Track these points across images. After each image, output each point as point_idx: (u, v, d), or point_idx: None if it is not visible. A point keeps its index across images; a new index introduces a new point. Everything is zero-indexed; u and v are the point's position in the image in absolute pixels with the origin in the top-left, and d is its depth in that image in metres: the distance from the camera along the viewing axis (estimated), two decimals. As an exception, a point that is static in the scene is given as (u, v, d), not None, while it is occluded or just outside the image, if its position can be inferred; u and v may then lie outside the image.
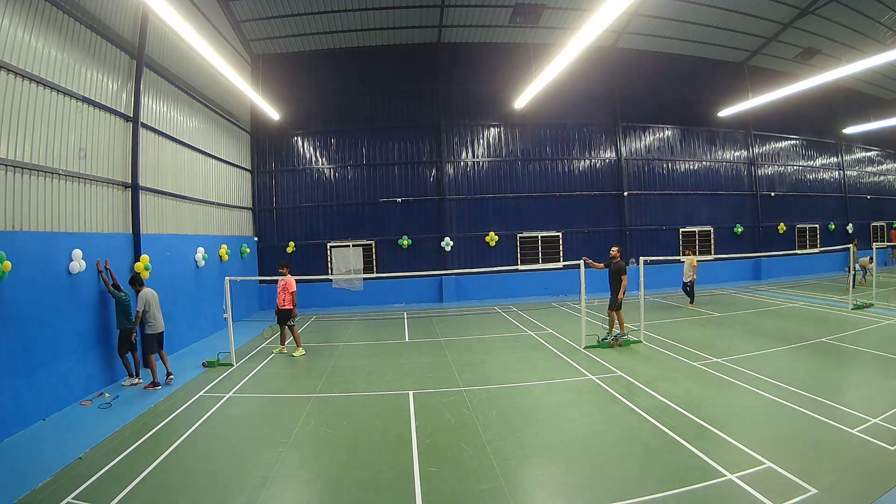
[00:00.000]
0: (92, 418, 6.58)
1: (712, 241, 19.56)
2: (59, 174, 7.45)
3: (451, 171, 17.60)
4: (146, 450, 5.46)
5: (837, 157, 22.36)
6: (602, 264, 9.95)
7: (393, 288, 16.99)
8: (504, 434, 5.58)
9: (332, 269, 17.16)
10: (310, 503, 4.47)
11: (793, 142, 21.37)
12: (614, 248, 10.03)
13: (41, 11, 7.22)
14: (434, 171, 17.55)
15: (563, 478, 4.64)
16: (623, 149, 18.51)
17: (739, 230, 19.69)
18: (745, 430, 5.35)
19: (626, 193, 18.43)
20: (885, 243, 21.85)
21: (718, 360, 8.22)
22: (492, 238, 17.48)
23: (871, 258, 15.35)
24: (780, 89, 15.19)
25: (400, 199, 17.41)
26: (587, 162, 18.48)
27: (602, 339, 9.57)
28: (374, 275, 16.89)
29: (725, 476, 4.39)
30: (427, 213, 17.44)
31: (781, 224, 20.50)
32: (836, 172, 22.35)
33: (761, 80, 19.27)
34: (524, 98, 15.21)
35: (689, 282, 13.88)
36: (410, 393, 7.17)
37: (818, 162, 21.99)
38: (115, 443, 5.67)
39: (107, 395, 7.51)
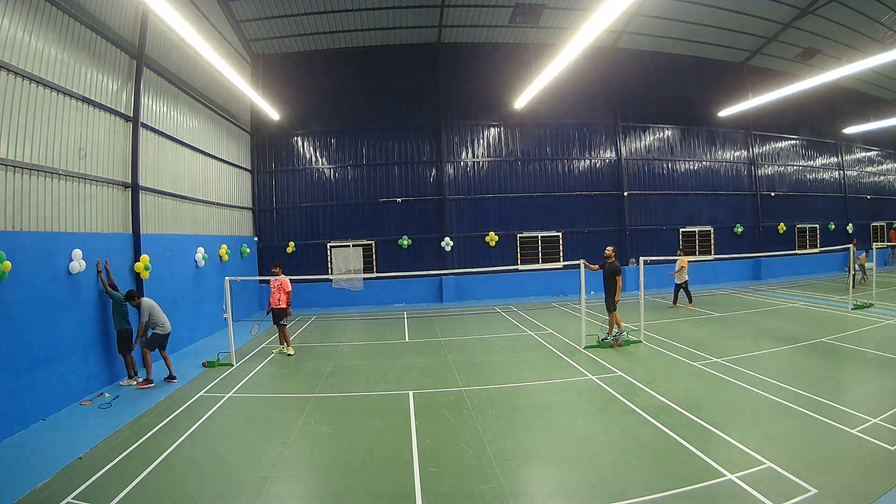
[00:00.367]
0: (92, 418, 6.58)
1: (712, 241, 19.57)
2: (59, 174, 7.45)
3: (451, 171, 17.60)
4: (146, 450, 5.45)
5: (837, 157, 22.36)
6: (597, 266, 9.87)
7: (393, 288, 17.00)
8: (504, 434, 5.58)
9: (332, 269, 17.16)
10: (309, 503, 4.46)
11: (793, 142, 21.37)
12: (609, 248, 9.97)
13: (41, 11, 7.22)
14: (434, 171, 17.55)
15: (563, 478, 4.63)
16: (623, 149, 18.51)
17: (739, 230, 19.69)
18: (746, 430, 5.34)
19: (626, 193, 18.43)
20: (885, 243, 21.86)
21: (718, 360, 8.22)
22: (492, 238, 17.48)
23: (867, 253, 15.38)
24: (780, 89, 15.18)
25: (400, 199, 17.41)
26: (587, 162, 18.48)
27: (602, 339, 9.57)
28: (374, 275, 16.89)
29: (725, 476, 4.39)
30: (427, 213, 17.44)
31: (781, 224, 20.50)
32: (836, 172, 22.36)
33: (761, 80, 19.27)
34: (524, 98, 15.21)
35: (682, 283, 13.89)
36: (410, 393, 7.17)
37: (818, 162, 21.99)
38: (115, 443, 5.67)
39: (107, 395, 7.51)
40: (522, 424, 5.87)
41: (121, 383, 8.09)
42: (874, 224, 23.35)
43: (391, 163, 17.48)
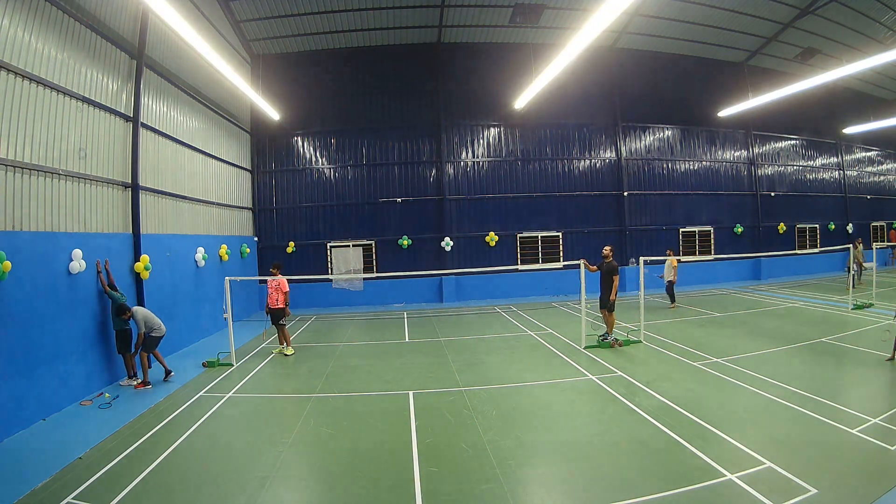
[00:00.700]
0: (92, 418, 6.58)
1: (712, 241, 19.56)
2: (59, 174, 7.45)
3: (451, 171, 17.60)
4: (146, 450, 5.46)
5: (837, 157, 22.36)
6: (595, 266, 9.85)
7: (393, 288, 17.00)
8: (504, 434, 5.58)
9: (332, 269, 17.16)
10: (310, 503, 4.46)
11: (793, 142, 21.37)
12: (607, 248, 9.97)
13: (41, 11, 7.22)
14: (434, 171, 17.55)
15: (563, 478, 4.63)
16: (623, 149, 18.51)
17: (739, 230, 19.69)
18: (746, 430, 5.35)
19: (625, 193, 18.42)
20: (885, 243, 21.85)
21: (718, 360, 8.22)
22: (492, 238, 17.48)
23: (859, 242, 15.54)
24: (780, 89, 15.17)
25: (400, 199, 17.41)
26: (587, 162, 18.48)
27: (602, 339, 9.57)
28: (374, 275, 16.89)
29: (725, 476, 4.39)
30: (427, 213, 17.43)
31: (781, 224, 20.50)
32: (836, 172, 22.35)
33: (761, 80, 19.27)
34: (524, 98, 15.20)
35: (670, 282, 13.90)
36: (410, 393, 7.17)
37: (818, 162, 21.99)
38: (115, 443, 5.67)
39: (107, 395, 7.51)
40: (522, 424, 5.87)
41: (121, 383, 8.10)
42: (874, 224, 23.35)
43: (391, 163, 17.48)
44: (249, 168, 16.74)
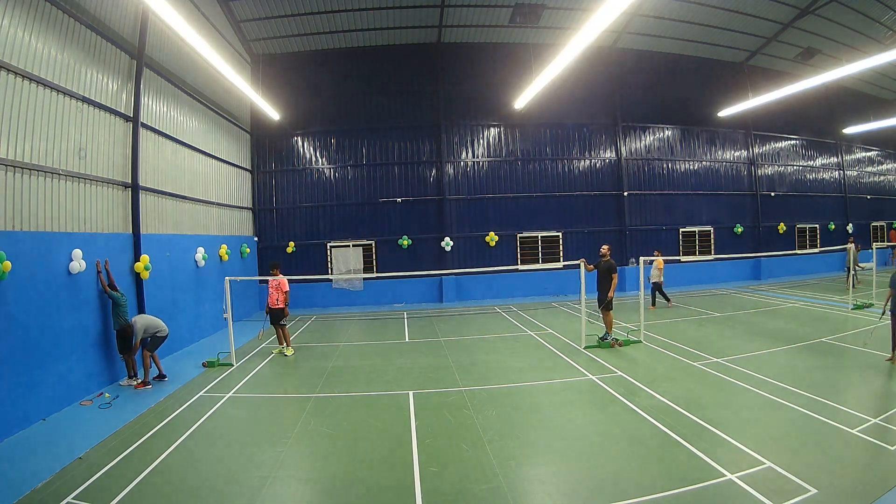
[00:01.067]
0: (92, 418, 6.58)
1: (712, 241, 19.56)
2: (59, 174, 7.45)
3: (451, 171, 17.60)
4: (146, 450, 5.46)
5: (837, 157, 22.36)
6: (592, 266, 9.82)
7: (393, 288, 17.00)
8: (504, 434, 5.58)
9: (332, 269, 17.16)
10: (310, 503, 4.46)
11: (793, 142, 21.36)
12: (605, 247, 9.98)
13: (41, 11, 7.22)
14: (434, 171, 17.55)
15: (563, 478, 4.63)
16: (623, 149, 18.51)
17: (739, 230, 19.69)
18: (745, 430, 5.35)
19: (626, 193, 18.42)
20: (885, 243, 21.84)
21: (718, 360, 8.22)
22: (492, 238, 17.47)
23: (851, 241, 15.58)
24: (780, 89, 15.18)
25: (400, 199, 17.41)
26: (587, 162, 18.48)
27: (602, 339, 9.57)
28: (374, 275, 16.89)
29: (725, 476, 4.39)
30: (427, 213, 17.44)
31: (781, 224, 20.50)
32: (836, 172, 22.35)
33: (761, 80, 19.28)
34: (524, 98, 15.20)
35: (657, 283, 13.89)
36: (410, 393, 7.17)
37: (818, 162, 21.99)
38: (115, 443, 5.67)
39: (107, 395, 7.51)
40: (522, 424, 5.87)
41: (121, 383, 8.10)
42: (874, 224, 23.35)
43: (391, 163, 17.48)
44: (249, 168, 16.74)
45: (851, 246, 15.22)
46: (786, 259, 20.04)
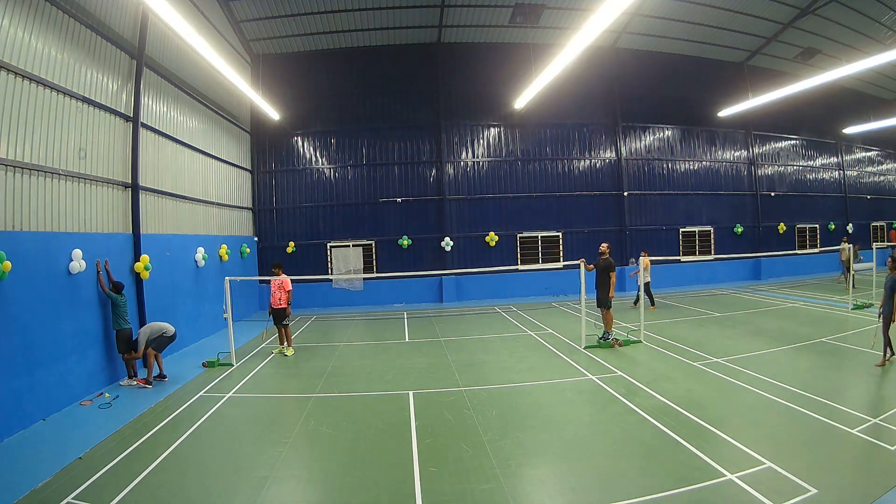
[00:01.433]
0: (92, 418, 6.58)
1: (712, 241, 19.56)
2: (59, 174, 7.45)
3: (451, 171, 17.60)
4: (146, 450, 5.46)
5: (837, 157, 22.36)
6: (591, 266, 9.80)
7: (393, 288, 16.99)
8: (504, 434, 5.58)
9: (332, 269, 17.16)
10: (309, 503, 4.47)
11: (793, 142, 21.36)
12: (604, 245, 9.97)
13: (41, 11, 7.22)
14: (434, 171, 17.55)
15: (563, 478, 4.63)
16: (623, 149, 18.51)
17: (739, 230, 19.69)
18: (746, 430, 5.35)
19: (626, 193, 18.42)
20: (885, 243, 21.83)
21: (718, 360, 8.22)
22: (492, 238, 17.47)
23: (844, 240, 15.51)
24: (780, 89, 15.18)
25: (400, 199, 17.41)
26: (587, 162, 18.48)
27: (601, 339, 9.57)
28: (374, 275, 16.89)
29: (725, 476, 4.39)
30: (427, 213, 17.44)
31: (781, 224, 20.50)
32: (836, 172, 22.35)
33: (761, 80, 19.26)
34: (524, 98, 15.20)
35: (645, 283, 13.82)
36: (410, 393, 7.17)
37: (818, 162, 21.99)
38: (115, 443, 5.67)
39: (107, 395, 7.51)
40: (522, 424, 5.87)
41: (121, 383, 8.09)
42: (874, 224, 23.35)
43: (391, 163, 17.48)
44: (249, 168, 16.74)
45: (846, 245, 15.22)
46: (786, 259, 20.05)
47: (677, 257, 18.44)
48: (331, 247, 17.27)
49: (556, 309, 14.50)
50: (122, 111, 9.19)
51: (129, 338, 8.12)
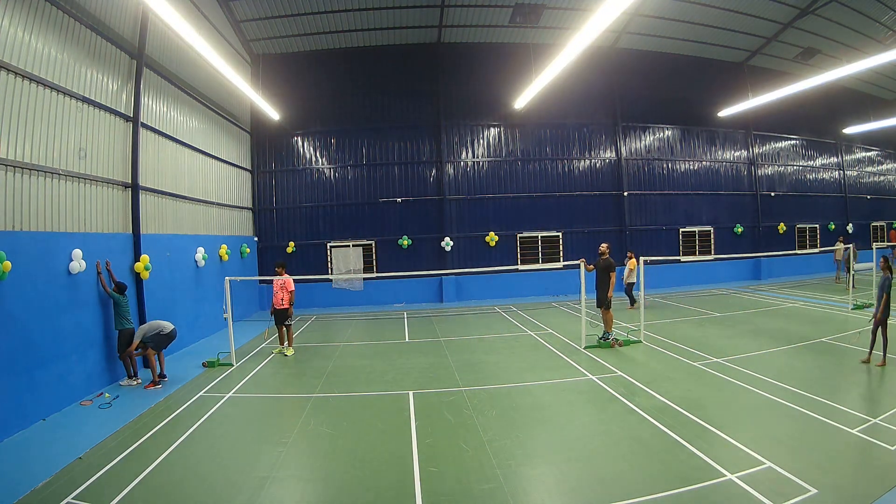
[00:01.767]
0: (92, 418, 6.58)
1: (712, 241, 19.56)
2: (59, 174, 7.45)
3: (451, 171, 17.60)
4: (146, 450, 5.46)
5: (837, 157, 22.36)
6: (591, 266, 9.80)
7: (393, 288, 16.99)
8: (504, 434, 5.58)
9: (332, 269, 17.16)
10: (309, 503, 4.46)
11: (793, 142, 21.36)
12: (604, 245, 9.98)
13: (41, 11, 7.22)
14: (434, 171, 17.55)
15: (563, 478, 4.63)
16: (623, 149, 18.51)
17: (739, 230, 19.69)
18: (745, 430, 5.35)
19: (626, 193, 18.43)
20: (885, 243, 21.83)
21: (718, 360, 8.22)
22: (492, 238, 17.48)
23: (840, 240, 15.45)
24: (780, 89, 15.18)
25: (400, 199, 17.41)
26: (587, 162, 18.48)
27: (601, 339, 9.57)
28: (374, 275, 16.89)
29: (725, 476, 4.39)
30: (427, 213, 17.43)
31: (781, 224, 20.50)
32: (836, 172, 22.35)
33: (761, 80, 19.26)
34: (524, 98, 15.21)
35: (630, 283, 13.81)
36: (410, 393, 7.17)
37: (818, 162, 21.99)
38: (115, 443, 5.67)
39: (107, 395, 7.51)
40: (522, 424, 5.87)
41: (121, 383, 8.10)
42: (874, 224, 23.35)
43: (391, 163, 17.48)
44: (249, 168, 16.74)
45: (841, 246, 15.23)
46: (786, 259, 20.03)
47: (677, 257, 18.42)
48: (331, 247, 17.26)
49: (556, 309, 14.50)
50: (122, 111, 9.19)
51: (130, 338, 8.12)
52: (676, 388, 6.91)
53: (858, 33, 17.65)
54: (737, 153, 20.18)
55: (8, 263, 5.98)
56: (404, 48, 17.52)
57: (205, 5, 12.92)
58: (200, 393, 7.55)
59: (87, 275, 7.75)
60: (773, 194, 20.52)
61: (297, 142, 17.43)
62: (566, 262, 14.44)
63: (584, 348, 9.35)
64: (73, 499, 4.41)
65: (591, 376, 7.66)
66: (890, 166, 24.32)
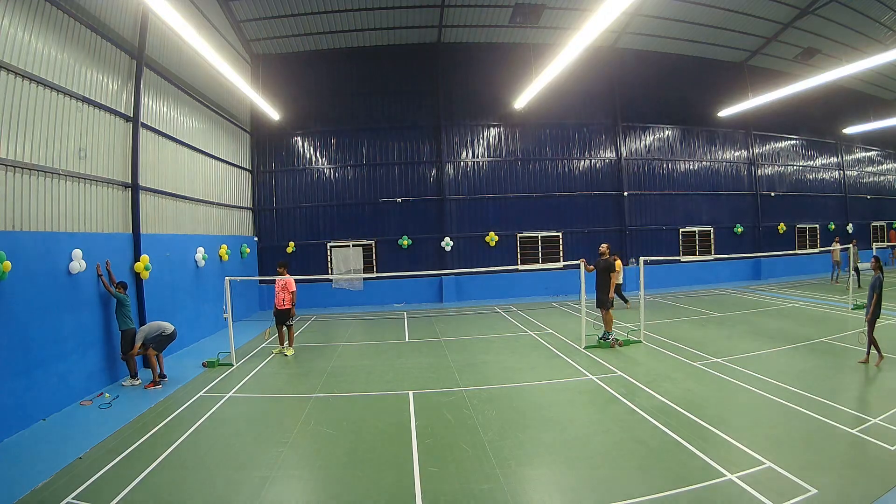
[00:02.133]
0: (92, 418, 6.58)
1: (712, 241, 19.56)
2: (59, 174, 7.45)
3: (451, 171, 17.60)
4: (146, 450, 5.46)
5: (837, 157, 22.36)
6: (591, 267, 9.81)
7: (393, 288, 16.99)
8: (504, 434, 5.58)
9: (332, 269, 17.16)
10: (309, 503, 4.47)
11: (793, 142, 21.36)
12: (604, 245, 9.98)
13: (41, 11, 7.22)
14: (434, 171, 17.55)
15: (563, 478, 4.64)
16: (623, 149, 18.51)
17: (739, 230, 19.69)
18: (745, 430, 5.35)
19: (626, 193, 18.42)
20: (885, 243, 21.83)
21: (718, 359, 8.22)
22: (492, 238, 17.48)
23: (836, 241, 15.36)
24: (780, 89, 15.18)
25: (400, 199, 17.41)
26: (587, 162, 18.48)
27: (602, 339, 9.57)
28: (374, 275, 16.89)
29: (725, 476, 4.39)
30: (427, 213, 17.43)
31: (781, 224, 20.50)
32: (836, 172, 22.35)
33: (761, 80, 19.26)
34: (524, 98, 15.20)
35: (616, 285, 13.75)
36: (410, 393, 7.17)
37: (818, 162, 21.99)
38: (115, 443, 5.67)
39: (107, 395, 7.51)
40: (522, 424, 5.87)
41: (123, 383, 8.10)
42: (874, 224, 23.34)
43: (391, 163, 17.48)
44: (249, 168, 16.74)
45: (838, 247, 15.23)
46: (786, 259, 20.04)
47: (677, 257, 18.43)
48: (331, 247, 17.26)
49: (556, 309, 14.50)
50: (122, 111, 9.19)
51: (133, 338, 8.12)
52: (676, 388, 6.91)
53: (858, 33, 17.65)
54: (737, 153, 20.18)
55: (8, 263, 5.98)
56: (404, 48, 17.51)
57: (205, 5, 12.91)
58: (200, 393, 7.55)
59: (87, 275, 7.75)
60: (773, 194, 20.52)
61: (296, 142, 17.43)
62: (566, 263, 14.44)
63: (584, 348, 9.35)
64: (73, 499, 4.41)
65: (591, 376, 7.66)
66: (890, 166, 24.32)
